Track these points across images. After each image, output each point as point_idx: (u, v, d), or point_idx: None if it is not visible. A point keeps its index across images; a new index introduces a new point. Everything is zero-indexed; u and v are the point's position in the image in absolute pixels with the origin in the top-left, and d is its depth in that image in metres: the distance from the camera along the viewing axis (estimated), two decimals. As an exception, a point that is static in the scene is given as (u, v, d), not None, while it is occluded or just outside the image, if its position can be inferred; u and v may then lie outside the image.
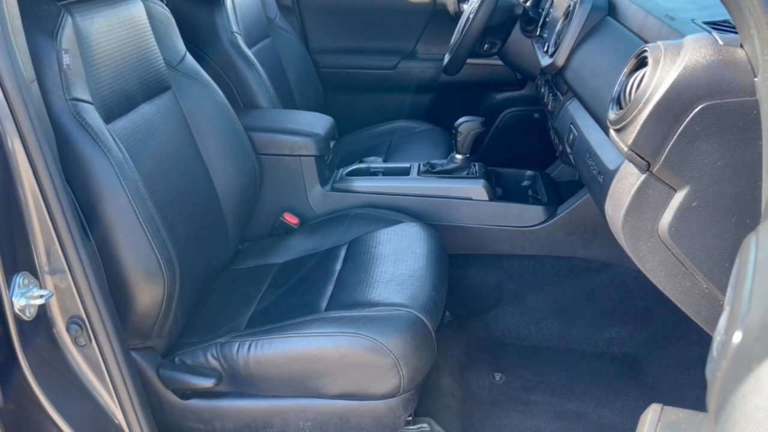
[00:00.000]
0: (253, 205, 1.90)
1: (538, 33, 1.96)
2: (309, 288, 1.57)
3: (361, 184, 1.99)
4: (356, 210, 1.92)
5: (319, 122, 2.07)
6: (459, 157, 1.99)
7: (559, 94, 1.77)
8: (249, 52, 2.21)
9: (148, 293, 1.29)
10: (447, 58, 2.43)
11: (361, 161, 2.23)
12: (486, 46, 2.23)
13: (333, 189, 2.00)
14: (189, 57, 1.77)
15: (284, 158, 1.97)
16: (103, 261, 1.24)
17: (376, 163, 2.20)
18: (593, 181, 1.30)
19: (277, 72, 2.45)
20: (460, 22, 2.49)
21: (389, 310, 1.40)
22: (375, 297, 1.46)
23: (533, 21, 2.16)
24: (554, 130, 1.84)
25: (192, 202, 1.57)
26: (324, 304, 1.48)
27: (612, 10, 1.52)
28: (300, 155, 1.97)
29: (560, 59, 1.59)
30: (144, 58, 1.55)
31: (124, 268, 1.27)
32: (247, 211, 1.85)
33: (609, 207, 1.15)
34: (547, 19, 1.94)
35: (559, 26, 1.68)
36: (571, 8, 1.60)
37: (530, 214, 1.94)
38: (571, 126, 1.57)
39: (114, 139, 1.33)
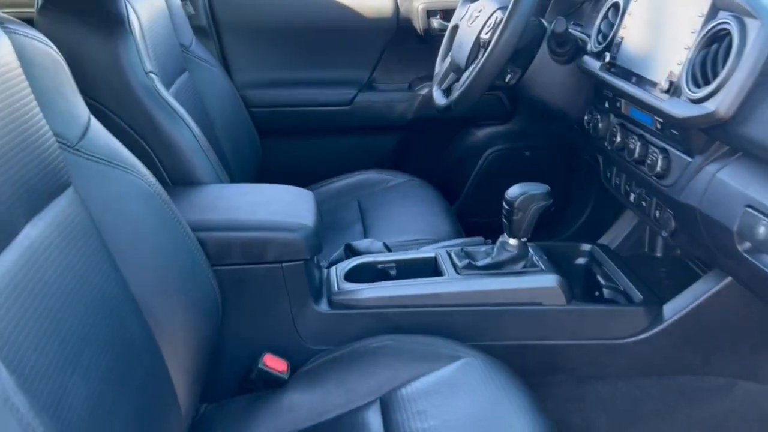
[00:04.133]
0: (213, 349, 1.18)
1: (608, 60, 1.37)
2: None
3: (375, 294, 1.31)
4: (378, 341, 1.24)
5: (298, 203, 1.37)
6: (513, 242, 1.36)
7: (678, 151, 1.19)
8: (173, 101, 1.47)
9: None
10: (438, 92, 1.81)
11: (349, 248, 1.55)
12: (508, 76, 1.63)
13: (332, 306, 1.31)
14: (95, 126, 1.03)
15: (256, 268, 1.26)
16: None
17: (376, 249, 1.53)
18: None
19: (200, 118, 1.71)
20: (444, 45, 1.88)
21: None
22: None
23: (567, 41, 1.58)
24: (667, 203, 1.26)
25: (105, 352, 0.85)
26: None
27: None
28: (281, 262, 1.26)
29: (727, 106, 1.01)
30: (18, 139, 0.81)
31: None
32: (205, 358, 1.14)
33: None
34: (620, 37, 1.37)
35: (692, 54, 1.10)
36: (731, 30, 1.02)
37: (625, 320, 1.34)
38: (750, 210, 0.99)
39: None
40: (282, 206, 1.34)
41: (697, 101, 1.06)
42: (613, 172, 1.53)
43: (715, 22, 1.07)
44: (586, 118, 1.56)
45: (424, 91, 2.20)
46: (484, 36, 1.61)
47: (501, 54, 1.52)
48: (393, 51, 2.20)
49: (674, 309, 1.33)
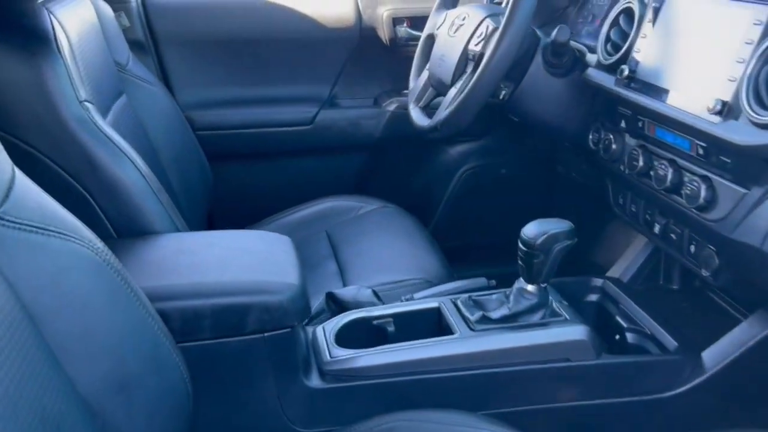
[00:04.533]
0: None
1: (627, 74, 1.20)
2: None
3: (376, 361, 1.09)
4: (386, 422, 1.02)
5: (276, 254, 1.13)
6: (533, 288, 1.17)
7: (727, 181, 1.02)
8: (114, 133, 1.21)
9: None
10: (417, 111, 1.60)
11: (332, 298, 1.32)
12: (503, 92, 1.44)
13: (325, 379, 1.09)
14: (21, 182, 0.78)
15: (233, 342, 1.02)
16: None
17: (365, 299, 1.31)
18: None
19: (144, 150, 1.45)
20: (418, 57, 1.68)
21: None
22: None
23: (565, 52, 1.41)
24: (711, 239, 1.09)
25: None
26: None
27: None
28: (263, 332, 1.02)
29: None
30: None
31: None
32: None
33: None
34: (638, 48, 1.20)
35: (751, 69, 0.93)
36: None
37: (662, 372, 1.17)
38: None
39: None
40: (258, 260, 1.11)
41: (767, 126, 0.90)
42: (627, 198, 1.36)
43: (783, 32, 0.91)
44: (591, 137, 1.39)
45: (393, 107, 1.99)
46: (474, 48, 1.42)
47: (498, 68, 1.33)
48: (356, 63, 1.99)
49: (715, 357, 1.16)
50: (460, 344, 1.12)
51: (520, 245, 1.14)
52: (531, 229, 1.14)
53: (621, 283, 1.40)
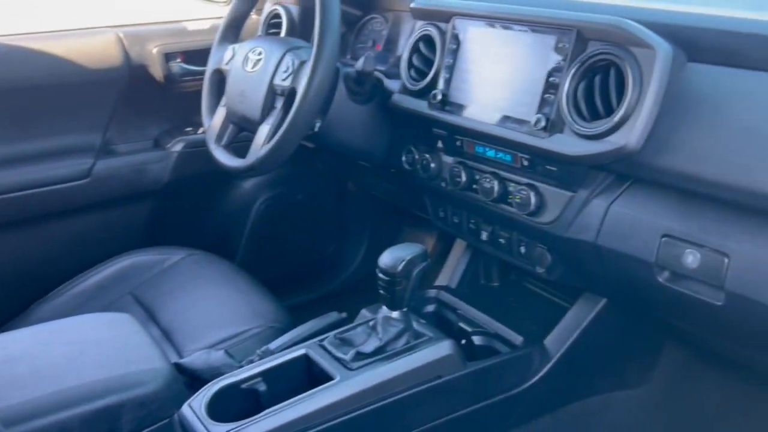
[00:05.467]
0: None
1: (440, 98, 1.27)
2: None
3: (263, 429, 1.02)
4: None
5: (126, 337, 1.00)
6: (397, 315, 1.18)
7: (553, 186, 1.14)
8: None
9: None
10: (220, 150, 1.53)
11: (180, 369, 1.20)
12: (318, 124, 1.43)
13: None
14: None
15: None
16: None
17: (218, 362, 1.21)
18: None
19: None
20: (208, 94, 1.61)
21: None
22: None
23: (365, 80, 1.45)
24: (544, 239, 1.20)
25: None
26: None
27: (695, 51, 0.97)
28: (141, 429, 0.89)
29: (637, 139, 0.97)
30: None
31: None
32: None
33: None
34: (444, 76, 1.27)
35: (568, 87, 1.04)
36: (619, 61, 0.99)
37: (519, 367, 1.27)
38: (670, 239, 0.98)
39: None
40: (111, 349, 0.97)
41: (595, 137, 1.02)
42: (448, 211, 1.44)
43: (592, 52, 1.03)
44: (405, 159, 1.45)
45: (179, 147, 1.87)
46: (282, 83, 1.39)
47: (314, 101, 1.33)
48: (128, 105, 1.82)
49: (557, 343, 1.29)
50: (345, 387, 1.09)
51: (381, 275, 1.15)
52: (387, 258, 1.15)
53: (451, 290, 1.49)
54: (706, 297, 0.97)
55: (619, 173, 1.06)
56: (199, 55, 1.81)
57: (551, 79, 1.08)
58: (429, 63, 1.33)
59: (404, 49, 1.41)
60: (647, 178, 1.02)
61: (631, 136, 0.97)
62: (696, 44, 0.97)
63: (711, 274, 0.95)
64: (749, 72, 0.92)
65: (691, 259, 0.97)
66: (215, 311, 1.49)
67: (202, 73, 1.64)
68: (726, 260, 0.93)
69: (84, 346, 0.96)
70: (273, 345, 1.26)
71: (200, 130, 1.91)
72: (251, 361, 1.21)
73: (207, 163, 1.57)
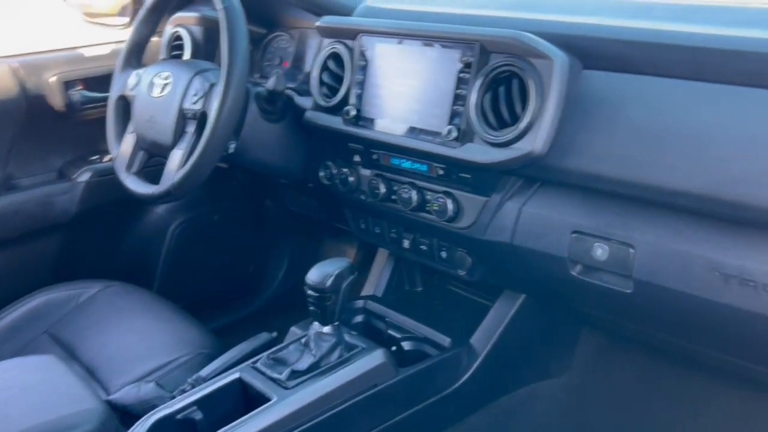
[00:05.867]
0: None
1: (353, 114, 1.30)
2: None
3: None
4: None
5: (54, 380, 0.97)
6: (329, 329, 1.20)
7: (468, 193, 1.19)
8: None
9: None
10: (133, 179, 1.50)
11: (113, 407, 1.17)
12: (232, 145, 1.43)
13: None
14: None
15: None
16: None
17: (149, 395, 1.19)
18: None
19: None
20: (114, 122, 1.58)
21: None
22: None
23: (276, 98, 1.46)
24: (463, 243, 1.25)
25: None
26: None
27: (589, 59, 1.04)
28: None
29: (542, 145, 1.03)
30: None
31: None
32: None
33: None
34: (356, 92, 1.30)
35: (475, 98, 1.10)
36: (521, 72, 1.05)
37: (450, 368, 1.31)
38: (580, 235, 1.05)
39: None
40: (41, 394, 0.94)
41: (503, 144, 1.07)
42: (369, 222, 1.47)
43: (494, 65, 1.09)
44: (323, 174, 1.47)
45: (86, 177, 1.81)
46: (192, 106, 1.38)
47: (228, 123, 1.33)
48: (27, 137, 1.75)
49: (483, 340, 1.35)
50: (283, 407, 1.10)
51: (310, 292, 1.17)
52: (315, 275, 1.17)
53: (378, 299, 1.52)
54: (616, 286, 1.05)
55: (528, 177, 1.12)
56: (101, 82, 1.77)
57: (459, 91, 1.13)
58: (339, 79, 1.36)
59: (313, 66, 1.43)
60: (554, 179, 1.09)
61: (536, 141, 1.03)
62: (589, 52, 1.04)
63: (619, 265, 1.02)
64: (639, 77, 1.00)
65: (600, 252, 1.04)
66: (139, 343, 1.46)
67: (105, 99, 1.60)
68: (632, 251, 1.00)
69: (11, 393, 0.93)
70: (204, 372, 1.26)
71: (106, 158, 1.86)
72: (184, 391, 1.20)
73: (117, 192, 1.53)
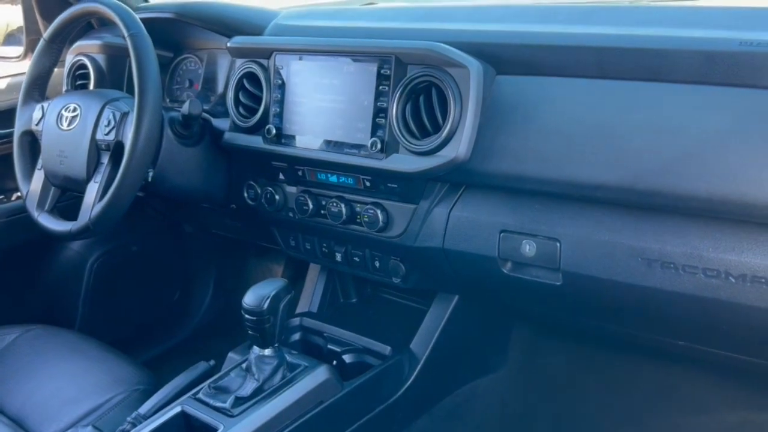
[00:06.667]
0: None
1: (274, 132, 1.29)
2: None
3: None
4: None
5: None
6: (270, 352, 1.19)
7: (396, 202, 1.21)
8: None
9: None
10: (47, 216, 1.45)
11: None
12: (150, 173, 1.39)
13: None
14: None
15: None
16: None
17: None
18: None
19: None
20: (21, 159, 1.53)
21: None
22: None
23: (192, 123, 1.43)
24: (396, 251, 1.27)
25: None
26: None
27: (501, 65, 1.08)
28: None
29: (465, 151, 1.06)
30: None
31: None
32: None
33: None
34: (274, 110, 1.30)
35: (396, 110, 1.12)
36: (439, 82, 1.08)
37: (393, 376, 1.32)
38: (507, 234, 1.09)
39: None
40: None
41: (427, 153, 1.10)
42: (299, 239, 1.47)
43: (412, 76, 1.11)
44: (246, 194, 1.46)
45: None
46: (105, 137, 1.34)
47: (145, 151, 1.31)
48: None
49: (422, 344, 1.37)
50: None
51: (247, 316, 1.15)
52: (251, 298, 1.15)
53: (313, 314, 1.52)
54: (546, 279, 1.09)
55: (453, 182, 1.15)
56: (2, 117, 1.68)
57: (379, 103, 1.15)
58: (257, 99, 1.35)
59: (228, 87, 1.42)
60: (479, 182, 1.12)
61: (459, 148, 1.06)
62: (501, 58, 1.09)
63: (547, 259, 1.07)
64: (549, 78, 1.05)
65: (529, 248, 1.08)
66: (69, 386, 1.40)
67: (9, 136, 1.53)
68: (558, 245, 1.05)
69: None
70: (143, 409, 1.22)
71: (14, 197, 1.77)
72: (124, 431, 1.16)
73: (29, 231, 1.47)
